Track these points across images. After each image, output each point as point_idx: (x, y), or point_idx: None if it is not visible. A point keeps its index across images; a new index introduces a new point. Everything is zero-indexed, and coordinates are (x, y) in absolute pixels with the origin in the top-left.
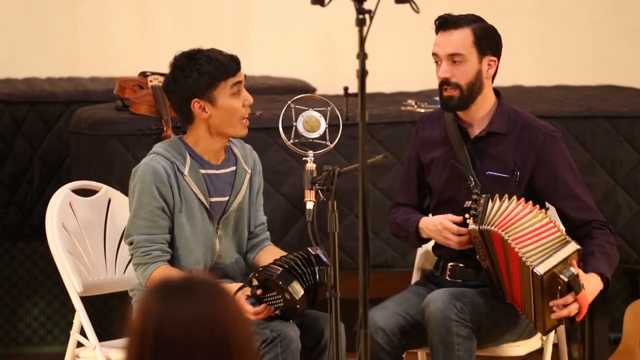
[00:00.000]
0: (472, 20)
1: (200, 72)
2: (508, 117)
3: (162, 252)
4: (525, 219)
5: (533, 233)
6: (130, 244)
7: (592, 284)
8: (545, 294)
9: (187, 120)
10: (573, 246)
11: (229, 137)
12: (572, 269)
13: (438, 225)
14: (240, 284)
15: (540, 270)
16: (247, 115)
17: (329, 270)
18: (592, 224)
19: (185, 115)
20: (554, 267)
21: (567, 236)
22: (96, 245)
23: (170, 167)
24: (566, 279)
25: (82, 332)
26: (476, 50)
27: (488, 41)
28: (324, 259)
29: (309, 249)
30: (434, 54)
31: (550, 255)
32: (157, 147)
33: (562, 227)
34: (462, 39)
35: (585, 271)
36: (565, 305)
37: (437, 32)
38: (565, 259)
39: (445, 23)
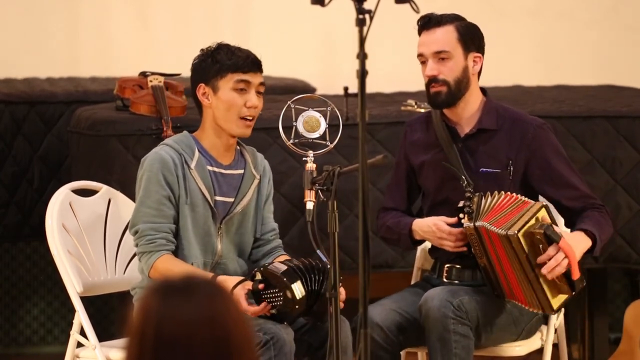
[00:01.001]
0: (454, 18)
1: (215, 59)
2: (497, 113)
3: (166, 241)
4: (506, 208)
5: (509, 214)
6: (136, 233)
7: (575, 239)
8: (535, 264)
9: (197, 107)
10: (538, 203)
11: (230, 135)
12: (545, 224)
13: (432, 227)
14: (242, 278)
15: (515, 229)
16: (248, 116)
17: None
18: (587, 207)
19: (195, 101)
20: (526, 224)
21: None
22: (96, 246)
23: (178, 158)
24: (542, 231)
25: (82, 332)
26: (461, 47)
27: (472, 37)
28: (324, 259)
29: (325, 261)
30: (419, 55)
31: (520, 218)
32: (167, 140)
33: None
34: (446, 35)
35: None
36: (553, 261)
37: (420, 33)
38: (534, 216)
39: (428, 22)
